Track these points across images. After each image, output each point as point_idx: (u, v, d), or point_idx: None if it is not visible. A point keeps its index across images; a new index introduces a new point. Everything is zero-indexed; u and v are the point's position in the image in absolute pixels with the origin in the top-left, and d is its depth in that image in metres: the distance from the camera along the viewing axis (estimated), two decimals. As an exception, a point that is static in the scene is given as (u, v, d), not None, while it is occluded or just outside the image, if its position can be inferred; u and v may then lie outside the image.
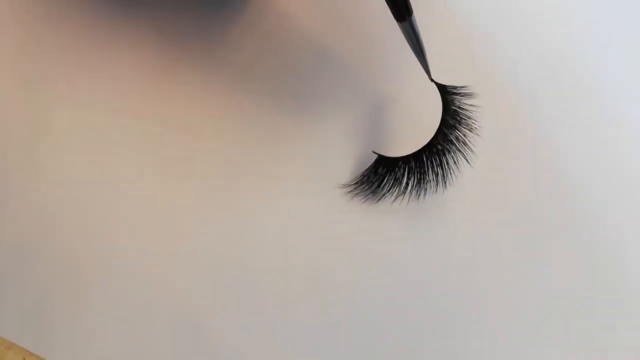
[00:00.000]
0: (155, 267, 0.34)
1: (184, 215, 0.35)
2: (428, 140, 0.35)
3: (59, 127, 0.35)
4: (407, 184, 0.37)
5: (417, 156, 0.36)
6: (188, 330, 0.34)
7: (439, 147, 0.36)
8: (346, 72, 0.37)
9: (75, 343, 0.33)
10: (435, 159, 0.36)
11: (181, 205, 0.36)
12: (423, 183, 0.37)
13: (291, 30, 0.37)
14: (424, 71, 0.34)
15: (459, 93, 0.35)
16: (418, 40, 0.31)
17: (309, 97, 0.37)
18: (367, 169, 0.37)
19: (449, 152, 0.36)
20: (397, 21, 0.31)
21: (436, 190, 0.37)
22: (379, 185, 0.37)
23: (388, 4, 0.30)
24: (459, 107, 0.35)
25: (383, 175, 0.37)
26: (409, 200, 0.37)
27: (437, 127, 0.35)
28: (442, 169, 0.36)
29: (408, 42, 0.32)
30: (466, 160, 0.37)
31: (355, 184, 0.37)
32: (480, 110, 0.36)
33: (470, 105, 0.36)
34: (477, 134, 0.36)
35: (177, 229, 0.35)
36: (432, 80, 0.34)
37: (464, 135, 0.36)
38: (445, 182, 0.37)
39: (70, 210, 0.34)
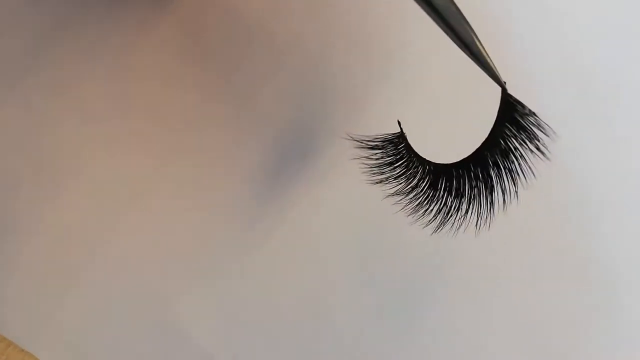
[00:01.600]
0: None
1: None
2: (451, 162, 0.26)
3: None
4: (412, 188, 0.27)
5: (435, 170, 0.26)
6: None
7: (460, 184, 0.26)
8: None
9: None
10: (450, 192, 0.26)
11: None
12: (424, 204, 0.27)
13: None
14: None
15: (534, 133, 0.23)
16: (445, 21, 0.21)
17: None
18: (390, 135, 0.28)
19: (465, 197, 0.26)
20: None
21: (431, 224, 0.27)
22: (390, 164, 0.28)
23: None
24: (515, 147, 0.23)
25: (400, 157, 0.28)
26: (404, 206, 0.28)
27: (470, 154, 0.25)
28: (447, 209, 0.26)
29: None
30: (480, 220, 0.26)
31: (368, 142, 0.28)
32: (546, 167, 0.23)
33: (537, 150, 0.23)
34: (515, 197, 0.24)
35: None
36: (502, 87, 0.23)
37: (500, 185, 0.24)
38: (443, 224, 0.27)
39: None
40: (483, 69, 0.22)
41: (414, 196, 0.27)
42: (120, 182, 0.31)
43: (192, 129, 0.31)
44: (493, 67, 0.22)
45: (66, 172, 0.31)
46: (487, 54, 0.21)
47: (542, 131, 0.23)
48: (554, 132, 0.22)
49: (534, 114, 0.22)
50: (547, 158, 0.23)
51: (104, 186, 0.31)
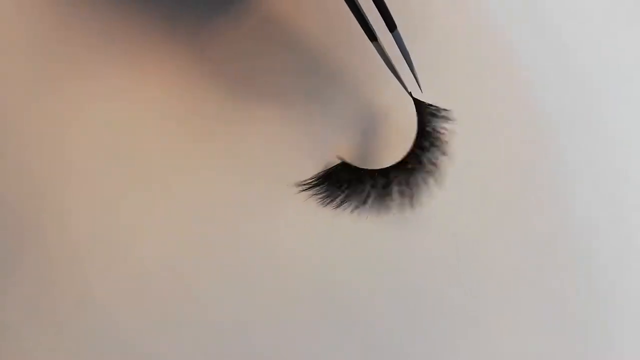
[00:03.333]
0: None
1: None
2: (399, 160, 0.32)
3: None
4: (367, 197, 0.33)
5: (384, 172, 0.32)
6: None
7: (409, 166, 0.32)
8: (327, 74, 0.35)
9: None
10: (403, 179, 0.32)
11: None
12: (385, 200, 0.33)
13: (277, 29, 0.35)
14: (411, 84, 0.32)
15: (437, 114, 0.33)
16: (387, 60, 0.31)
17: (282, 95, 0.35)
18: (325, 171, 0.33)
19: (418, 172, 0.33)
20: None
21: (400, 209, 0.33)
22: (336, 191, 0.33)
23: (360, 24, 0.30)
24: (434, 129, 0.33)
25: (343, 182, 0.33)
26: (368, 214, 0.33)
27: (410, 147, 0.32)
28: (409, 189, 0.33)
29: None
30: (436, 182, 0.33)
31: (310, 183, 0.33)
32: (456, 136, 0.33)
33: (446, 129, 0.33)
34: (449, 159, 0.33)
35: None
36: (410, 94, 0.32)
37: (436, 158, 0.33)
38: (411, 203, 0.33)
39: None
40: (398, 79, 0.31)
41: (369, 204, 0.33)
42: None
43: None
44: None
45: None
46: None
47: (443, 114, 0.32)
48: (450, 111, 0.32)
49: (436, 106, 0.32)
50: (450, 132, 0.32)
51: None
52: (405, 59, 0.31)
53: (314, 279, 0.33)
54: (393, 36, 0.30)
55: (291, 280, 0.33)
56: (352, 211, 0.33)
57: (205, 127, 0.34)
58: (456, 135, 0.33)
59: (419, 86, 0.32)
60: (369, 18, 0.30)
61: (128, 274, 0.32)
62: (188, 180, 0.34)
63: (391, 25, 0.30)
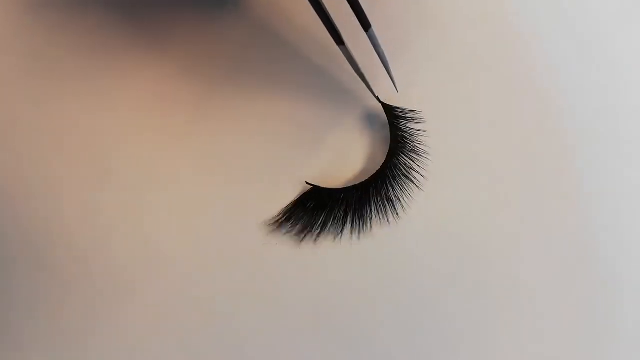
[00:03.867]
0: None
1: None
2: (376, 170, 0.31)
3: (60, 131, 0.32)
4: (345, 217, 0.30)
5: (361, 187, 0.31)
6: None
7: (387, 173, 0.31)
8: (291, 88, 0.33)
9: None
10: (384, 189, 0.31)
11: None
12: (366, 216, 0.30)
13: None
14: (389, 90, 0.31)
15: (405, 117, 0.32)
16: (353, 63, 0.30)
17: (276, 96, 0.33)
18: (292, 203, 0.30)
19: (398, 178, 0.31)
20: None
21: (384, 221, 0.31)
22: (310, 220, 0.30)
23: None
24: (406, 132, 0.32)
25: (316, 208, 0.30)
26: (351, 234, 0.30)
27: (385, 156, 0.31)
28: (390, 198, 0.31)
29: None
30: (416, 185, 0.31)
31: (280, 218, 0.30)
32: (428, 135, 0.32)
33: (418, 130, 0.32)
34: (427, 157, 0.32)
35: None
36: (377, 99, 0.31)
37: (412, 160, 0.31)
38: (395, 212, 0.31)
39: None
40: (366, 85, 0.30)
41: (350, 223, 0.30)
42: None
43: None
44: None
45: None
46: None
47: (411, 115, 0.31)
48: (418, 111, 0.31)
49: (404, 109, 0.31)
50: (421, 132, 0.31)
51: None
52: (380, 59, 0.30)
53: (309, 287, 0.30)
54: (367, 35, 0.29)
55: (286, 287, 0.30)
56: (334, 239, 0.30)
57: (197, 129, 0.32)
58: (434, 135, 0.32)
59: (395, 86, 0.31)
60: (351, 16, 0.29)
61: (114, 275, 0.31)
62: (180, 182, 0.31)
63: (365, 24, 0.28)
